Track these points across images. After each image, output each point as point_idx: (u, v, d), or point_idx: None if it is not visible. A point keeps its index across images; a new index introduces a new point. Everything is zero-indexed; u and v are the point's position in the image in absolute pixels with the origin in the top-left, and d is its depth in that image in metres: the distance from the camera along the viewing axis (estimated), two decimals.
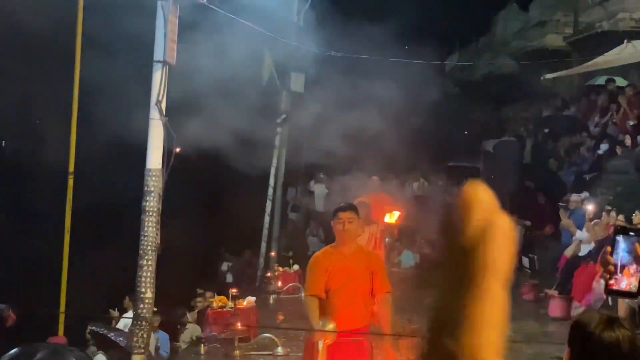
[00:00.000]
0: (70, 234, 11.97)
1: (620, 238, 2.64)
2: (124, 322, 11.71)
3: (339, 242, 6.78)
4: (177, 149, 12.02)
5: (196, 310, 13.90)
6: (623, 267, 2.62)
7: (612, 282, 2.64)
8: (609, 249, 2.67)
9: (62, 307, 11.90)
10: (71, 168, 12.13)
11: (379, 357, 6.83)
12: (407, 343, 8.73)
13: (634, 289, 2.62)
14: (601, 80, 20.29)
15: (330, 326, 6.42)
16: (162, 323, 12.18)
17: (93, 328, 10.82)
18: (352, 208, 6.89)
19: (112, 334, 11.16)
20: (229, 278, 14.96)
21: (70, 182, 12.07)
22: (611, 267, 2.63)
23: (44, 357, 6.54)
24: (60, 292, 12.07)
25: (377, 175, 17.01)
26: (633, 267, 2.61)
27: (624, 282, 2.63)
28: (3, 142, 14.61)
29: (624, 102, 17.42)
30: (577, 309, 11.51)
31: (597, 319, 3.29)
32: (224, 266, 15.18)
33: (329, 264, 6.75)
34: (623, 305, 10.46)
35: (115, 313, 12.88)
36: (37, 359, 6.63)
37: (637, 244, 2.61)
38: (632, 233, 2.63)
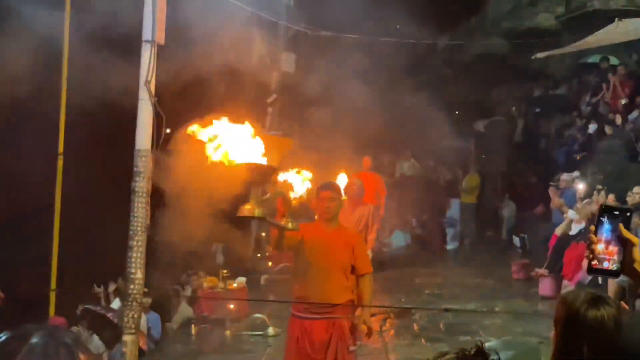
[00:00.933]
0: (60, 215, 11.92)
1: (604, 218, 2.63)
2: (118, 303, 11.71)
3: (320, 220, 6.84)
4: (167, 130, 11.96)
5: (187, 292, 13.89)
6: (606, 246, 2.62)
7: (594, 261, 2.64)
8: (592, 228, 2.66)
9: (53, 285, 11.87)
10: (60, 149, 12.06)
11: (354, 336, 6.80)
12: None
13: (616, 268, 2.61)
14: (593, 59, 20.26)
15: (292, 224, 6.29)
16: (154, 304, 12.18)
17: (86, 306, 10.81)
18: (333, 187, 6.97)
19: (105, 312, 11.17)
20: (220, 259, 14.93)
21: (60, 162, 12.00)
22: (595, 247, 2.63)
23: (39, 341, 6.46)
24: (50, 272, 12.03)
25: (368, 155, 16.99)
26: (616, 247, 2.60)
27: (606, 262, 2.62)
28: None
29: (615, 81, 17.40)
30: (567, 288, 11.54)
31: (582, 297, 3.29)
32: (215, 247, 15.13)
33: (307, 232, 6.76)
34: (613, 284, 10.49)
35: (111, 287, 12.85)
36: (32, 342, 6.55)
37: (620, 224, 2.60)
38: (616, 212, 2.62)
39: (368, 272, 6.83)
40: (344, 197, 7.13)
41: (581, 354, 3.18)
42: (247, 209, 5.92)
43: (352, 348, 6.65)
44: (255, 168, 5.92)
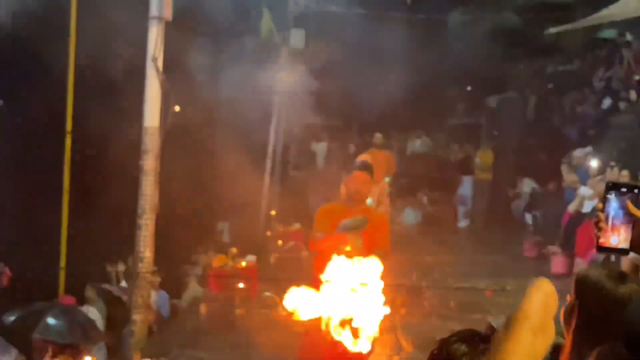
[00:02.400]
0: (69, 193, 11.87)
1: (611, 195, 2.54)
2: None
3: (349, 200, 6.64)
4: (177, 107, 11.88)
5: (197, 270, 13.86)
6: (614, 223, 2.53)
7: (602, 239, 2.55)
8: (600, 205, 2.57)
9: (62, 263, 11.84)
10: (69, 127, 12.00)
11: None
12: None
13: (624, 245, 2.53)
14: (606, 34, 20.03)
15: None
16: (163, 282, 12.15)
17: (95, 285, 10.79)
18: (367, 168, 6.75)
19: (114, 290, 11.14)
20: (227, 237, 14.88)
21: (68, 140, 11.94)
22: (602, 224, 2.54)
23: (54, 319, 6.41)
24: (60, 252, 12.01)
25: (378, 132, 16.88)
26: (624, 224, 2.52)
27: (615, 239, 2.54)
28: (1, 101, 14.46)
29: (629, 56, 17.21)
30: (579, 266, 11.44)
31: (606, 274, 3.21)
32: (220, 226, 15.08)
33: (333, 219, 6.60)
34: (627, 262, 10.38)
35: (121, 267, 12.82)
36: (47, 321, 6.52)
37: (628, 201, 2.51)
38: (624, 189, 2.53)
39: (382, 248, 6.66)
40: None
41: (608, 329, 3.09)
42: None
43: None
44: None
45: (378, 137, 16.59)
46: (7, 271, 9.04)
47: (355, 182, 6.60)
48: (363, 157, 11.94)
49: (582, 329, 3.23)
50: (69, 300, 10.49)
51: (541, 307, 1.48)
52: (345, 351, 6.40)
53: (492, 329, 2.19)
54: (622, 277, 3.20)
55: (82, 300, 10.80)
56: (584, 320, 3.23)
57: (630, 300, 3.12)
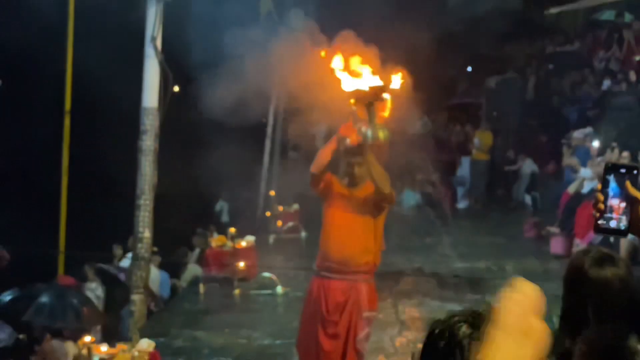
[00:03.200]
0: (68, 173, 11.87)
1: (611, 176, 2.52)
2: (128, 262, 11.69)
3: (349, 182, 6.59)
4: (176, 88, 11.83)
5: (197, 250, 13.87)
6: (613, 204, 2.52)
7: (601, 220, 2.53)
8: (599, 186, 2.56)
9: (62, 248, 11.86)
10: (67, 106, 11.98)
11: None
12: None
13: (623, 227, 2.51)
14: (606, 15, 19.96)
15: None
16: (162, 263, 12.17)
17: (92, 264, 10.81)
18: (362, 152, 6.69)
19: (113, 270, 11.17)
20: (225, 217, 14.88)
21: (67, 120, 11.93)
22: (601, 205, 2.52)
23: (47, 301, 6.44)
24: (59, 232, 12.02)
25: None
26: (623, 205, 2.50)
27: (613, 221, 2.52)
28: (0, 81, 14.44)
29: (629, 37, 17.15)
30: (578, 247, 11.44)
31: (589, 256, 3.21)
32: (218, 206, 15.08)
33: (335, 189, 6.55)
34: (626, 243, 10.39)
35: (119, 250, 12.84)
36: (39, 302, 6.55)
37: (627, 182, 2.49)
38: (623, 170, 2.51)
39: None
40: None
41: (585, 314, 3.10)
42: (374, 133, 5.90)
43: (367, 314, 6.52)
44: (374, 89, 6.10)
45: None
46: (5, 254, 9.05)
47: (350, 167, 6.56)
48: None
49: (566, 310, 3.24)
50: (68, 280, 10.50)
51: (517, 310, 1.43)
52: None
53: (489, 307, 2.16)
54: (602, 260, 3.20)
55: (83, 281, 10.82)
56: (566, 306, 3.25)
57: (607, 285, 3.13)
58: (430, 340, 2.14)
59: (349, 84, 6.08)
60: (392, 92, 6.39)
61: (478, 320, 2.12)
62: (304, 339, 6.70)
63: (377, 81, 6.13)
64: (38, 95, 12.17)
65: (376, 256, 6.61)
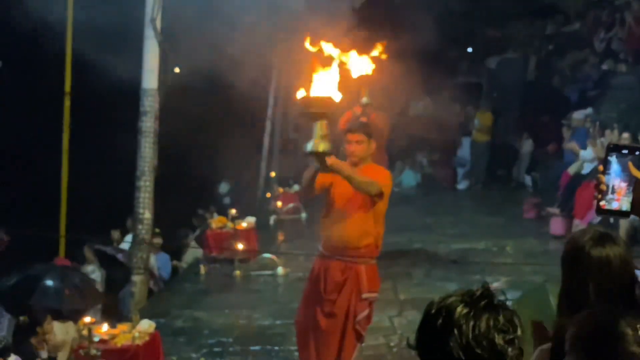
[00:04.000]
0: (69, 155, 11.86)
1: (612, 157, 2.52)
2: (127, 244, 11.72)
3: (348, 161, 6.57)
4: (177, 69, 11.81)
5: (197, 231, 13.90)
6: (615, 185, 2.52)
7: (603, 202, 2.53)
8: (600, 168, 2.56)
9: (62, 230, 11.88)
10: (67, 88, 11.96)
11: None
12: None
13: (625, 208, 2.51)
14: None
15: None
16: (163, 244, 12.19)
17: (91, 245, 10.84)
18: (360, 129, 6.60)
19: (111, 250, 11.19)
20: (227, 200, 14.89)
21: (67, 102, 11.91)
22: (603, 187, 2.53)
23: (51, 282, 6.45)
24: (59, 214, 12.03)
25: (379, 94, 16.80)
26: (625, 186, 2.50)
27: (615, 202, 2.52)
28: (0, 62, 14.41)
29: (629, 18, 17.08)
30: (578, 227, 11.46)
31: (589, 235, 3.21)
32: (222, 188, 15.08)
33: (333, 178, 6.53)
34: (625, 224, 10.40)
35: (117, 234, 12.88)
36: (44, 284, 6.57)
37: (630, 163, 2.49)
38: (625, 151, 2.51)
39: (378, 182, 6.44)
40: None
41: (586, 294, 3.10)
42: (314, 144, 5.73)
43: (365, 295, 6.53)
44: (322, 100, 5.80)
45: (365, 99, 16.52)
46: (4, 236, 9.07)
47: (349, 144, 6.55)
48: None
49: (566, 290, 3.25)
50: (64, 263, 10.52)
51: None
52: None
53: (487, 292, 2.18)
54: (602, 239, 3.20)
55: (82, 262, 10.84)
56: (565, 287, 3.25)
57: (608, 264, 3.13)
58: (427, 320, 2.16)
59: (299, 93, 5.97)
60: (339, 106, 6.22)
61: (473, 300, 2.13)
62: (302, 315, 6.74)
63: (329, 91, 5.96)
64: (38, 77, 12.15)
65: (377, 238, 6.62)
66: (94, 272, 10.37)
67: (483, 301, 2.13)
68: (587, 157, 12.99)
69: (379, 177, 6.48)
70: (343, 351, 6.53)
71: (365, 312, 6.56)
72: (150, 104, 9.35)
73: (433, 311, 2.16)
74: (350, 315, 6.50)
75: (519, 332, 2.11)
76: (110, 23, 10.30)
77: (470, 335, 2.06)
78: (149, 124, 9.41)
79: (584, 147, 13.27)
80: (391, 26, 16.09)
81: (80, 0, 11.47)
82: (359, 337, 6.60)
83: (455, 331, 2.07)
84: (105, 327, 7.36)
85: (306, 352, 6.65)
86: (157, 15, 9.21)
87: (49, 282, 8.13)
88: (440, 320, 2.12)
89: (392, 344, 8.42)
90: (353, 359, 6.61)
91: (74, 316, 7.30)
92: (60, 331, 7.57)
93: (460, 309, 2.11)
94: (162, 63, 9.50)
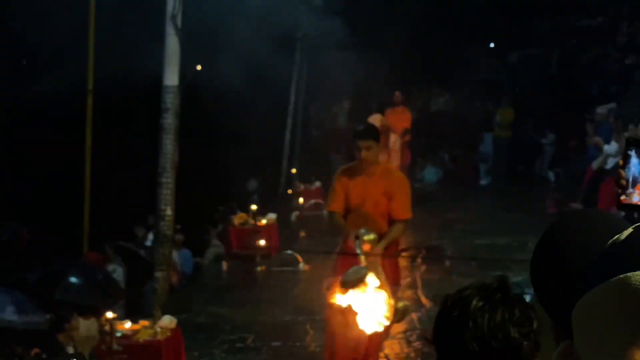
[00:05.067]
0: (91, 152, 11.92)
1: (632, 151, 2.49)
2: (151, 239, 11.77)
3: (361, 166, 6.68)
4: (198, 66, 11.85)
5: (220, 228, 13.93)
6: (635, 180, 2.49)
7: (623, 196, 2.50)
8: (620, 162, 2.53)
9: (86, 226, 11.94)
10: (90, 85, 12.01)
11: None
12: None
13: None
14: None
15: (371, 236, 6.36)
16: (185, 240, 12.23)
17: (112, 242, 10.89)
18: (369, 135, 6.73)
19: (133, 247, 11.25)
20: (255, 197, 14.88)
21: (90, 99, 11.97)
22: (623, 181, 2.50)
23: (74, 279, 6.49)
24: (83, 210, 12.09)
25: (400, 91, 16.81)
26: None
27: (636, 196, 2.49)
28: (24, 60, 14.51)
29: None
30: None
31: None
32: (252, 185, 15.03)
33: (350, 180, 6.70)
34: None
35: (142, 231, 12.93)
36: (67, 280, 6.60)
37: None
38: None
39: (403, 219, 6.73)
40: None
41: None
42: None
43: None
44: None
45: (398, 94, 16.55)
46: (24, 232, 9.11)
47: (359, 150, 6.64)
48: (374, 118, 11.75)
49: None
50: (93, 256, 10.56)
51: None
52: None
53: (503, 284, 2.18)
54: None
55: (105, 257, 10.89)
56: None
57: None
58: (443, 313, 2.17)
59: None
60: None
61: (489, 293, 2.13)
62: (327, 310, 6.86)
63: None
64: (61, 74, 12.21)
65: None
66: (115, 271, 10.41)
67: (498, 294, 2.13)
68: (610, 151, 12.91)
69: (397, 193, 6.67)
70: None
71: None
72: (171, 101, 9.37)
73: (449, 304, 2.17)
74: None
75: (534, 325, 2.11)
76: (131, 20, 10.35)
77: (486, 328, 2.06)
78: (170, 121, 9.44)
79: (607, 142, 13.19)
80: (413, 21, 16.08)
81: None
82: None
83: (471, 323, 2.07)
84: (127, 323, 7.42)
85: None
86: (178, 12, 9.22)
87: (72, 279, 8.19)
88: (455, 313, 2.12)
89: (412, 340, 8.41)
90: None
91: (97, 313, 7.35)
92: (84, 327, 7.63)
93: (475, 302, 2.11)
94: (183, 60, 9.52)
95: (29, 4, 11.58)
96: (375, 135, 6.78)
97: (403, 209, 6.71)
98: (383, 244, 6.51)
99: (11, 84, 12.22)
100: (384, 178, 6.74)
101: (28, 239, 9.35)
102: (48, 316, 8.24)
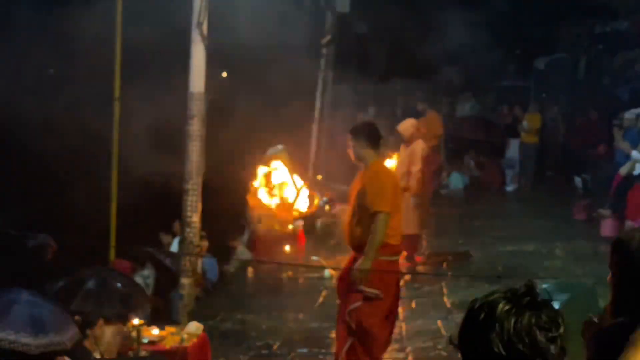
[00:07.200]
0: (118, 160, 11.97)
1: None
2: (175, 247, 11.79)
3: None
4: (224, 73, 11.88)
5: (246, 234, 13.94)
6: None
7: None
8: None
9: (113, 233, 12.00)
10: (117, 93, 12.08)
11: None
12: None
13: None
14: None
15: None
16: (211, 247, 12.25)
17: (140, 248, 10.91)
18: (351, 132, 7.00)
19: (159, 254, 11.27)
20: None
21: (117, 107, 12.03)
22: None
23: (93, 287, 6.47)
24: (110, 218, 12.16)
25: (425, 96, 16.79)
26: None
27: None
28: (52, 70, 14.63)
29: None
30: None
31: (637, 239, 3.09)
32: None
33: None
34: None
35: (168, 238, 12.96)
36: (86, 289, 6.58)
37: None
38: None
39: (377, 211, 6.60)
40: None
41: (637, 302, 2.98)
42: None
43: (361, 287, 6.65)
44: None
45: (422, 102, 16.53)
46: (53, 243, 9.14)
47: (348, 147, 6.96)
48: (406, 123, 11.65)
49: (616, 298, 3.13)
50: (122, 264, 10.59)
51: None
52: None
53: (530, 290, 2.16)
54: None
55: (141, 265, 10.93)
56: (616, 288, 3.14)
57: None
58: (470, 316, 2.16)
59: None
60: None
61: (516, 297, 2.12)
62: None
63: None
64: (88, 83, 12.31)
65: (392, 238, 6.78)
66: (149, 277, 10.42)
67: (526, 298, 2.12)
68: (638, 157, 12.81)
69: (368, 186, 6.71)
70: (338, 340, 6.95)
71: (357, 304, 6.67)
72: (197, 108, 9.42)
73: (476, 307, 2.15)
74: (343, 305, 6.91)
75: (561, 330, 2.09)
76: (158, 27, 10.41)
77: (512, 331, 2.04)
78: (196, 128, 9.48)
79: (635, 147, 13.08)
80: (439, 28, 16.05)
81: (129, 6, 11.60)
82: (349, 329, 6.72)
83: (497, 326, 2.06)
84: (155, 329, 7.43)
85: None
86: (204, 20, 9.27)
87: (90, 286, 8.20)
88: (482, 315, 2.11)
89: (439, 347, 8.37)
90: (343, 352, 6.74)
91: (123, 319, 7.36)
92: (110, 334, 7.65)
93: (502, 305, 2.10)
94: (209, 67, 9.56)
95: (56, 13, 11.69)
96: (356, 132, 6.95)
97: (375, 200, 6.62)
98: (367, 259, 6.60)
99: (39, 93, 12.33)
100: (365, 172, 6.88)
101: (56, 248, 9.39)
102: (71, 332, 8.25)
